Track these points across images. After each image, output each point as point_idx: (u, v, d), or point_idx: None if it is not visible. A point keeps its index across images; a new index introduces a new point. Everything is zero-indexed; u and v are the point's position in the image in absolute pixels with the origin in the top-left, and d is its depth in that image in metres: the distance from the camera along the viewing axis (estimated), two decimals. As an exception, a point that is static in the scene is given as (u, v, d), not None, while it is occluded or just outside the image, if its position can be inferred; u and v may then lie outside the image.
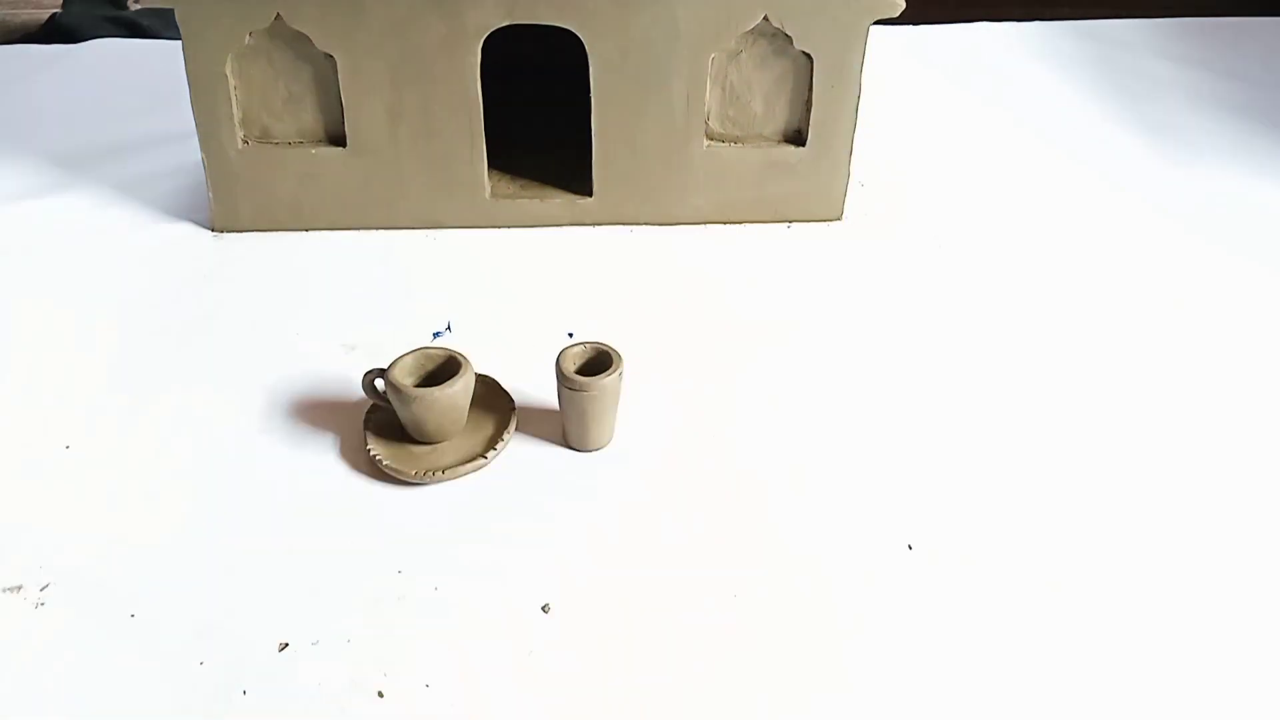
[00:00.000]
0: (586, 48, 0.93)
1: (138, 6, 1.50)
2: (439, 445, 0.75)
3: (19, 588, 0.66)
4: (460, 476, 0.74)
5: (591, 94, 0.95)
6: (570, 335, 0.86)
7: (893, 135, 1.19)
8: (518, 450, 0.77)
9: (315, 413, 0.80)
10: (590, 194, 1.01)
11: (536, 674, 0.62)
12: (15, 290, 0.92)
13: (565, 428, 0.77)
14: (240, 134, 0.96)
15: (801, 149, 1.00)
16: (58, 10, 1.54)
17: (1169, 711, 0.60)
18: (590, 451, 0.77)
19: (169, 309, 0.91)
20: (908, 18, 0.97)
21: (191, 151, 1.00)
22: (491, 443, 0.75)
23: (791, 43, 0.94)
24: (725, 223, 1.03)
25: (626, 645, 0.63)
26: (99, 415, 0.79)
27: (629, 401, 0.78)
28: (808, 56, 0.95)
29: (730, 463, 0.76)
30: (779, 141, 1.00)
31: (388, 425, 0.76)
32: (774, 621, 0.65)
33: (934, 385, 0.84)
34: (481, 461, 0.74)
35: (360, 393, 0.78)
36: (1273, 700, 0.61)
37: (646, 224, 1.02)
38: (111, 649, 0.63)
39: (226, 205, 0.99)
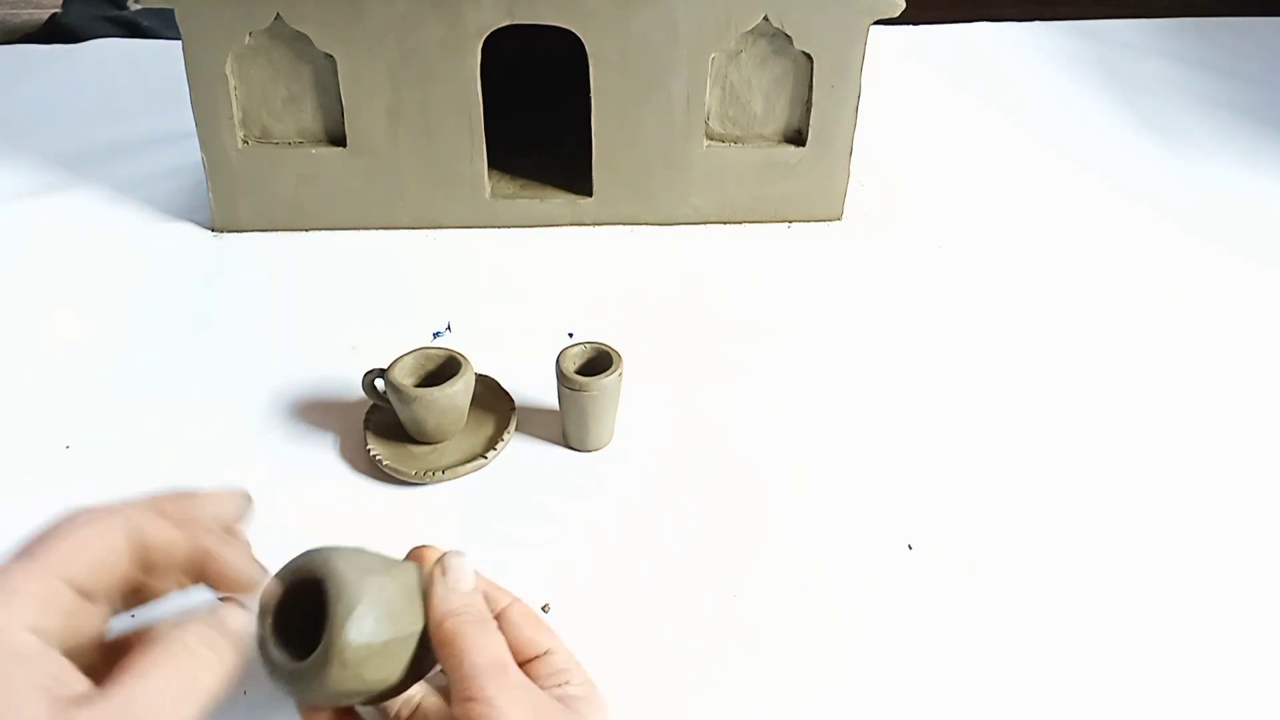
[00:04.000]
0: (586, 48, 0.93)
1: (138, 6, 1.50)
2: (439, 445, 0.75)
3: (19, 588, 0.66)
4: (460, 476, 0.74)
5: (591, 94, 0.95)
6: (570, 335, 0.86)
7: (893, 135, 1.19)
8: (518, 450, 0.77)
9: (315, 413, 0.80)
10: (590, 194, 1.01)
11: (536, 674, 0.62)
12: (15, 290, 0.92)
13: (565, 428, 0.77)
14: (240, 134, 0.96)
15: (801, 149, 1.00)
16: (58, 10, 1.54)
17: (1169, 711, 0.60)
18: (590, 451, 0.77)
19: (169, 309, 0.91)
20: (908, 18, 0.97)
21: (191, 151, 1.00)
22: (491, 443, 0.75)
23: (791, 43, 0.94)
24: (725, 223, 1.03)
25: (626, 645, 0.63)
26: (99, 415, 0.79)
27: (629, 401, 0.78)
28: (808, 56, 0.95)
29: (730, 463, 0.76)
30: (779, 141, 1.00)
31: (388, 425, 0.76)
32: (774, 621, 0.65)
33: (934, 385, 0.84)
34: (481, 461, 0.74)
35: (360, 393, 0.78)
36: (1273, 700, 0.61)
37: (646, 224, 1.02)
38: (111, 649, 0.63)
39: (226, 205, 0.99)
